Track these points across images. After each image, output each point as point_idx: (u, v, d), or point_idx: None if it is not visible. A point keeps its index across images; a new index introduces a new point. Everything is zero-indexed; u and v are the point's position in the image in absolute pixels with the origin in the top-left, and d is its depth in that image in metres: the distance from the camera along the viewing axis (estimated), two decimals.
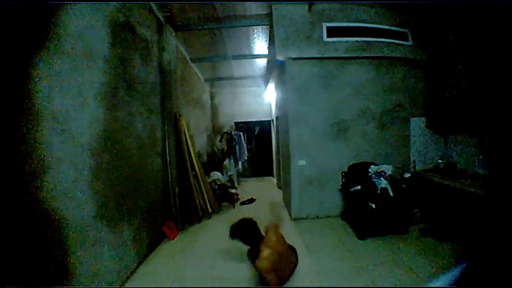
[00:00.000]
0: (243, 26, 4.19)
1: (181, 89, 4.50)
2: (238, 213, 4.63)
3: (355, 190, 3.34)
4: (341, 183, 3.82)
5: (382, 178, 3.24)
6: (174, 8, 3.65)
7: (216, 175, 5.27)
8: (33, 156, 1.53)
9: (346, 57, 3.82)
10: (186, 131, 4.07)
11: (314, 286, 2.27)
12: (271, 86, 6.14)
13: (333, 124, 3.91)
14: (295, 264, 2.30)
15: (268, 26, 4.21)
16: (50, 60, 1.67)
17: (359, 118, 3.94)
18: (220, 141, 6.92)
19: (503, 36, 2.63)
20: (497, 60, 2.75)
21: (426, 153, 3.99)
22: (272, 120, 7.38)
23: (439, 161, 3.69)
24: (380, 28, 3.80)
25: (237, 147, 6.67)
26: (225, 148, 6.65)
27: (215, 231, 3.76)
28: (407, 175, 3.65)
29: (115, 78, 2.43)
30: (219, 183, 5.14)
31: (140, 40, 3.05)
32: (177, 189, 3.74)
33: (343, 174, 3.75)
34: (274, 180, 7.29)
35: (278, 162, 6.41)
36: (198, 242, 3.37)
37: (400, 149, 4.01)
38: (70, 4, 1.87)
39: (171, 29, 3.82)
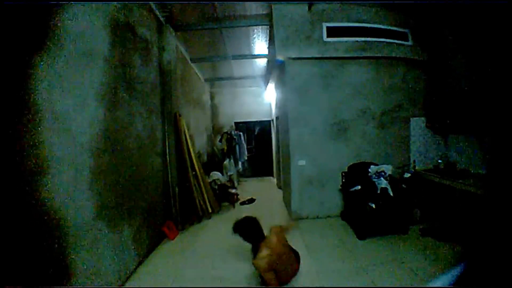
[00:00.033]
0: (243, 26, 4.19)
1: (181, 89, 4.50)
2: (238, 213, 4.63)
3: (355, 190, 3.34)
4: (341, 183, 3.82)
5: (382, 178, 3.24)
6: (174, 8, 3.64)
7: (216, 175, 5.27)
8: (33, 156, 1.53)
9: (346, 57, 3.82)
10: (186, 131, 4.07)
11: (314, 286, 2.27)
12: (271, 86, 6.14)
13: (333, 124, 3.91)
14: (296, 269, 2.29)
15: (268, 26, 4.21)
16: (50, 60, 1.67)
17: (359, 118, 3.94)
18: (220, 141, 6.93)
19: (503, 36, 2.63)
20: (497, 60, 2.75)
21: (426, 153, 3.99)
22: (272, 120, 7.38)
23: (439, 161, 3.69)
24: (380, 28, 3.81)
25: (237, 147, 6.68)
26: (225, 148, 6.65)
27: (215, 231, 3.77)
28: (407, 175, 3.65)
29: (115, 78, 2.44)
30: (219, 183, 5.14)
31: (140, 40, 3.05)
32: (177, 189, 3.74)
33: (343, 174, 3.75)
34: (274, 180, 7.29)
35: (278, 162, 6.41)
36: (198, 242, 3.37)
37: (400, 149, 4.01)
38: (70, 4, 1.87)
39: (171, 29, 3.82)
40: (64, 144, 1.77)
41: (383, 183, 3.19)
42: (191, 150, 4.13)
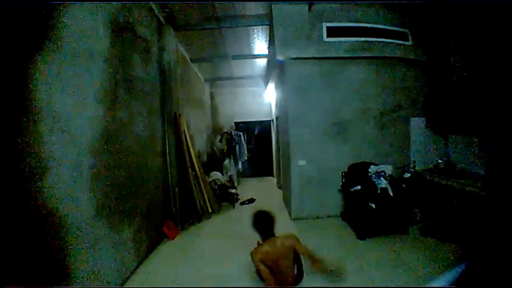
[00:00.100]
0: (243, 26, 4.20)
1: (181, 89, 4.50)
2: (238, 213, 4.63)
3: (355, 190, 3.34)
4: (341, 183, 3.81)
5: (382, 178, 3.24)
6: (174, 8, 3.65)
7: (216, 175, 5.27)
8: (33, 156, 1.53)
9: (346, 57, 3.82)
10: (186, 131, 4.07)
11: (314, 286, 2.27)
12: (271, 86, 6.14)
13: (333, 124, 3.91)
14: (292, 283, 2.23)
15: (268, 26, 4.21)
16: (50, 60, 1.68)
17: (359, 118, 3.94)
18: (220, 141, 6.92)
19: (503, 36, 2.63)
20: (497, 60, 2.75)
21: (426, 153, 3.99)
22: (272, 120, 7.38)
23: (439, 161, 3.68)
24: (380, 28, 3.80)
25: (237, 147, 6.68)
26: (225, 148, 6.65)
27: (215, 231, 3.77)
28: (407, 175, 3.65)
29: (115, 78, 2.43)
30: (219, 183, 5.14)
31: (140, 40, 3.04)
32: (177, 189, 3.74)
33: (343, 174, 3.75)
34: (274, 180, 7.29)
35: (278, 162, 6.41)
36: (198, 242, 3.37)
37: (400, 149, 4.01)
38: (70, 4, 1.87)
39: (171, 29, 3.82)
40: (64, 144, 1.77)
41: (383, 183, 3.20)
42: (191, 150, 4.13)
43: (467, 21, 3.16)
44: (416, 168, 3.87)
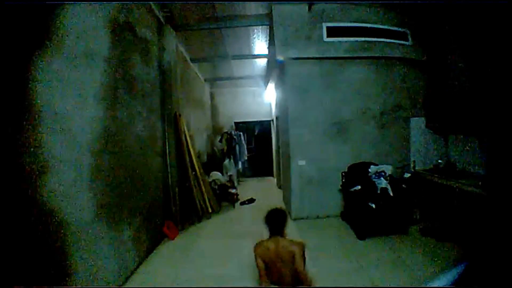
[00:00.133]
0: (243, 26, 4.20)
1: (181, 89, 4.50)
2: (238, 213, 4.63)
3: (355, 190, 3.34)
4: (341, 183, 3.81)
5: (382, 178, 3.24)
6: (174, 8, 3.65)
7: (216, 175, 5.27)
8: (33, 156, 1.53)
9: (346, 57, 3.82)
10: (186, 131, 4.07)
11: (314, 286, 2.27)
12: (271, 86, 6.14)
13: (333, 124, 3.91)
14: (291, 283, 2.20)
15: (268, 26, 4.21)
16: (50, 60, 1.67)
17: (359, 118, 3.94)
18: (220, 141, 6.93)
19: (503, 36, 2.63)
20: (497, 60, 2.75)
21: (426, 153, 3.99)
22: (272, 120, 7.38)
23: (439, 161, 3.68)
24: (380, 28, 3.81)
25: (237, 147, 6.68)
26: (225, 148, 6.65)
27: (215, 231, 3.77)
28: (407, 175, 3.65)
29: (115, 78, 2.43)
30: (219, 183, 5.14)
31: (140, 40, 3.05)
32: (177, 189, 3.74)
33: (343, 174, 3.75)
34: (274, 180, 7.29)
35: (278, 162, 6.41)
36: (198, 242, 3.37)
37: (400, 149, 4.01)
38: (70, 4, 1.87)
39: (171, 29, 3.82)
40: (64, 144, 1.77)
41: (383, 183, 3.20)
42: (191, 150, 4.13)
43: (467, 21, 3.16)
44: (416, 168, 3.87)
